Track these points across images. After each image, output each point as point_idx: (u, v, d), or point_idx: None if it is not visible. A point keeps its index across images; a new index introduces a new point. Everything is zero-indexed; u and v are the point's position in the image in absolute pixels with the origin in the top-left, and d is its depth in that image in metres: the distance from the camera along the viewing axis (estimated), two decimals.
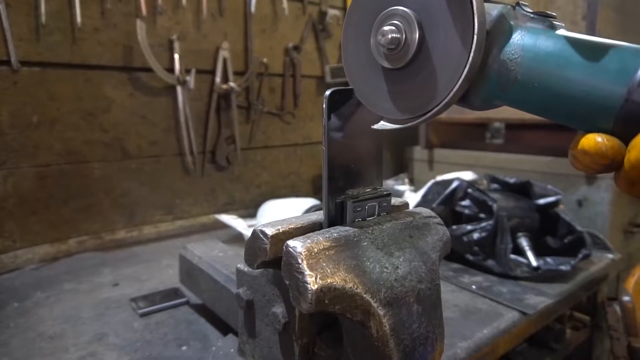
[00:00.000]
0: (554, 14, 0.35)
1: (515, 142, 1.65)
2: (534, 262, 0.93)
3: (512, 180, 1.11)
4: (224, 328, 0.71)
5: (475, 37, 0.32)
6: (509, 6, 0.36)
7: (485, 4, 0.35)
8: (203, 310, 0.78)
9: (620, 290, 1.11)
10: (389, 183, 1.54)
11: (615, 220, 1.32)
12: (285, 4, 1.38)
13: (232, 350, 0.63)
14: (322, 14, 1.52)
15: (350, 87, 0.44)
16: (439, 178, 1.17)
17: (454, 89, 0.34)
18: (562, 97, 0.32)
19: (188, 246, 0.81)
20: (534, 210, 1.04)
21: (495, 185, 1.14)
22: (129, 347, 0.69)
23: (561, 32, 0.34)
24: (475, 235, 0.95)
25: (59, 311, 0.82)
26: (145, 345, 0.70)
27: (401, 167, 1.77)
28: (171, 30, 1.20)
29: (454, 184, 1.04)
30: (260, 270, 0.51)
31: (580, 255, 0.94)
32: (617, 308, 1.05)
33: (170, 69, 1.20)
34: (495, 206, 0.96)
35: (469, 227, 0.96)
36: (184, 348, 0.69)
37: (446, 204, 1.04)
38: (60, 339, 0.73)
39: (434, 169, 1.69)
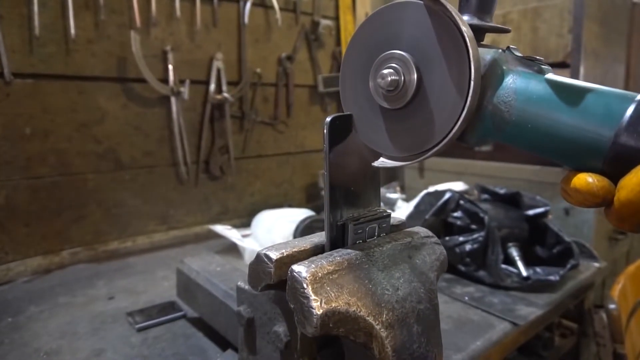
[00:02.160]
0: (541, 58, 0.36)
1: (503, 150, 1.68)
2: (524, 272, 0.95)
3: (502, 191, 1.13)
4: (223, 343, 0.72)
5: (472, 82, 0.34)
6: (500, 50, 0.38)
7: (478, 48, 0.36)
8: (200, 325, 0.79)
9: (605, 298, 1.14)
10: (381, 191, 1.56)
11: (601, 228, 1.36)
12: (278, 14, 1.39)
13: None
14: (315, 24, 1.54)
15: (349, 113, 0.45)
16: (431, 189, 1.19)
17: (453, 130, 0.36)
18: (554, 138, 0.34)
19: (185, 260, 0.81)
20: (523, 220, 1.06)
21: (485, 196, 1.16)
22: None
23: (549, 76, 0.36)
24: (467, 247, 0.97)
25: (54, 326, 0.82)
26: None
27: (392, 175, 1.79)
28: (165, 41, 1.20)
29: (446, 196, 1.06)
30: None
31: (568, 266, 0.97)
32: (603, 315, 1.08)
33: (164, 80, 1.21)
34: (486, 218, 0.98)
35: (461, 239, 0.98)
36: None
37: (439, 215, 1.06)
38: (57, 355, 0.72)
39: (425, 177, 1.71)
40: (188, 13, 1.24)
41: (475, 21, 0.39)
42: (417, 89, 0.38)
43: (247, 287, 0.57)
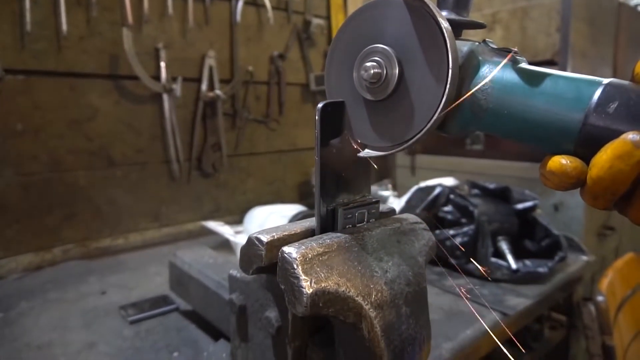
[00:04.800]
0: (515, 49, 0.38)
1: (494, 148, 1.70)
2: (513, 265, 0.97)
3: (492, 186, 1.15)
4: (215, 333, 0.72)
5: (450, 71, 0.36)
6: (476, 43, 0.39)
7: (456, 41, 0.38)
8: (193, 317, 0.79)
9: (594, 291, 1.16)
10: (373, 189, 1.57)
11: (590, 224, 1.38)
12: (270, 13, 1.40)
13: (224, 355, 0.64)
14: (307, 23, 1.55)
15: (341, 100, 0.46)
16: (422, 184, 1.20)
17: (434, 117, 0.37)
18: (529, 123, 0.36)
19: (178, 253, 0.81)
20: (513, 214, 1.08)
21: (475, 191, 1.17)
22: (120, 355, 0.70)
23: (523, 65, 0.38)
24: (458, 240, 0.98)
25: (46, 321, 0.82)
26: (136, 353, 0.70)
27: (384, 172, 1.81)
28: (157, 39, 1.21)
29: (437, 190, 1.08)
30: (253, 275, 0.53)
31: (556, 258, 0.99)
32: (592, 308, 1.10)
33: (157, 77, 1.21)
34: (476, 212, 0.99)
35: (451, 232, 1.00)
36: (175, 354, 0.70)
37: (429, 209, 1.07)
38: (48, 348, 0.72)
39: (417, 175, 1.72)
40: (180, 11, 1.24)
41: (453, 16, 0.41)
42: (398, 81, 0.39)
43: (239, 275, 0.58)
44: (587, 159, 0.33)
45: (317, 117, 0.46)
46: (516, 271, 0.96)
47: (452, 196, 1.07)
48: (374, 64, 0.40)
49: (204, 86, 1.30)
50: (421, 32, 0.38)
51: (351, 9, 1.71)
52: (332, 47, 0.45)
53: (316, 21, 1.56)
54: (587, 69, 1.52)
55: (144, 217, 1.26)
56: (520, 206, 1.08)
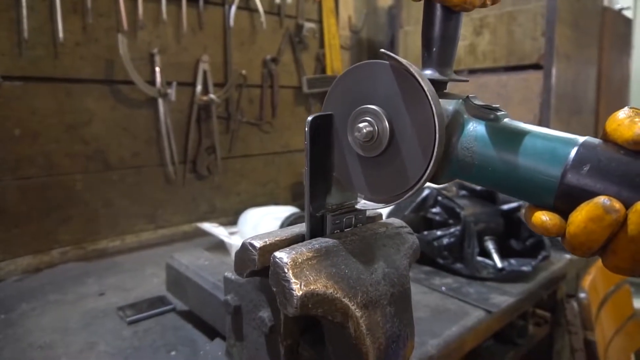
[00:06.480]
0: (497, 105, 0.41)
1: None
2: (499, 264, 1.00)
3: (478, 187, 1.18)
4: (211, 333, 0.75)
5: (437, 134, 0.38)
6: (461, 101, 0.42)
7: (441, 100, 0.40)
8: (190, 317, 0.82)
9: (577, 288, 1.20)
10: None
11: None
12: (263, 17, 1.43)
13: (220, 353, 0.67)
14: (299, 27, 1.58)
15: (329, 113, 0.49)
16: None
17: (424, 177, 0.40)
18: (512, 179, 0.38)
19: (175, 255, 0.84)
20: (498, 215, 1.11)
21: (463, 192, 1.21)
22: (120, 355, 0.72)
23: (506, 121, 0.40)
24: (445, 241, 1.02)
25: (47, 322, 0.84)
26: (135, 352, 0.73)
27: None
28: (152, 44, 1.23)
29: (425, 192, 1.11)
30: (247, 278, 0.56)
31: (540, 257, 1.02)
32: (575, 304, 1.14)
33: (152, 82, 1.23)
34: (462, 213, 1.03)
35: (439, 233, 1.03)
36: (173, 353, 0.72)
37: (418, 211, 1.10)
38: (50, 348, 0.75)
39: None
40: (174, 16, 1.27)
41: (437, 76, 0.43)
42: (390, 140, 0.42)
43: (234, 277, 0.61)
44: (566, 212, 0.35)
45: (306, 130, 0.49)
46: (501, 270, 1.00)
47: (440, 198, 1.10)
48: (366, 124, 0.42)
49: (198, 90, 1.33)
50: (407, 94, 0.40)
51: (343, 13, 1.75)
52: (324, 107, 0.47)
53: (308, 25, 1.59)
54: (572, 71, 1.56)
55: (140, 219, 1.28)
56: (505, 207, 1.12)
